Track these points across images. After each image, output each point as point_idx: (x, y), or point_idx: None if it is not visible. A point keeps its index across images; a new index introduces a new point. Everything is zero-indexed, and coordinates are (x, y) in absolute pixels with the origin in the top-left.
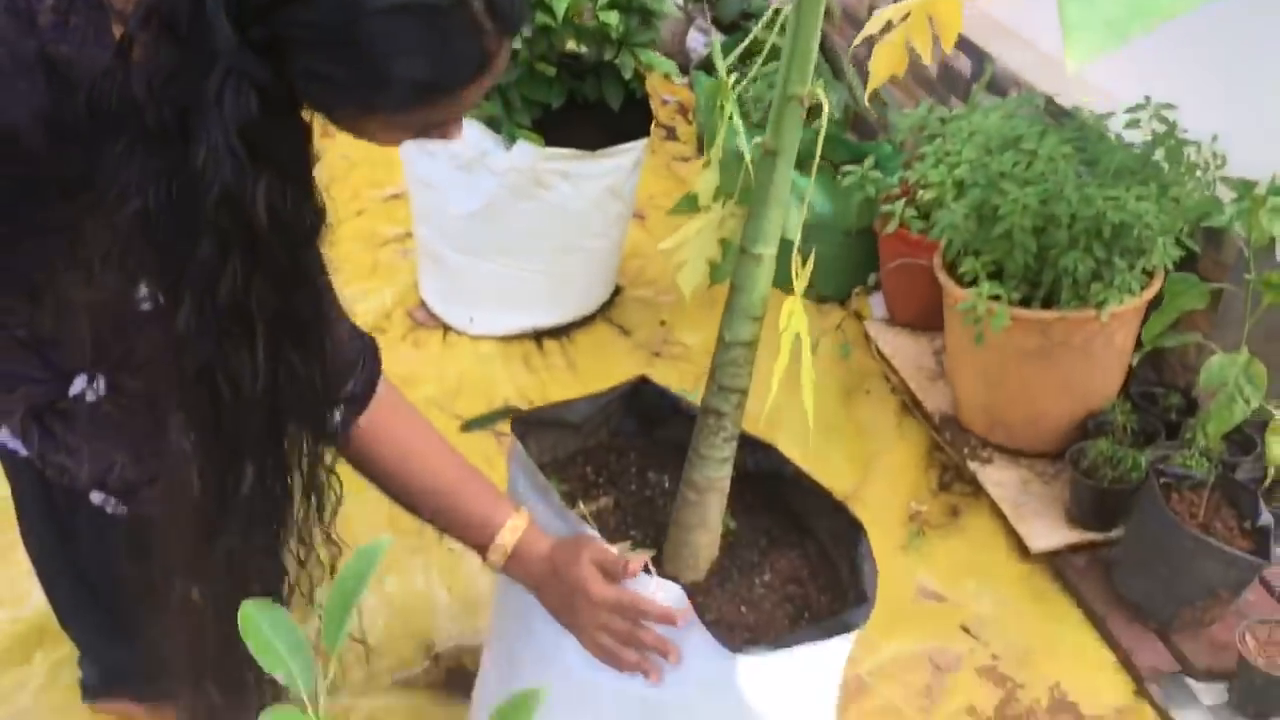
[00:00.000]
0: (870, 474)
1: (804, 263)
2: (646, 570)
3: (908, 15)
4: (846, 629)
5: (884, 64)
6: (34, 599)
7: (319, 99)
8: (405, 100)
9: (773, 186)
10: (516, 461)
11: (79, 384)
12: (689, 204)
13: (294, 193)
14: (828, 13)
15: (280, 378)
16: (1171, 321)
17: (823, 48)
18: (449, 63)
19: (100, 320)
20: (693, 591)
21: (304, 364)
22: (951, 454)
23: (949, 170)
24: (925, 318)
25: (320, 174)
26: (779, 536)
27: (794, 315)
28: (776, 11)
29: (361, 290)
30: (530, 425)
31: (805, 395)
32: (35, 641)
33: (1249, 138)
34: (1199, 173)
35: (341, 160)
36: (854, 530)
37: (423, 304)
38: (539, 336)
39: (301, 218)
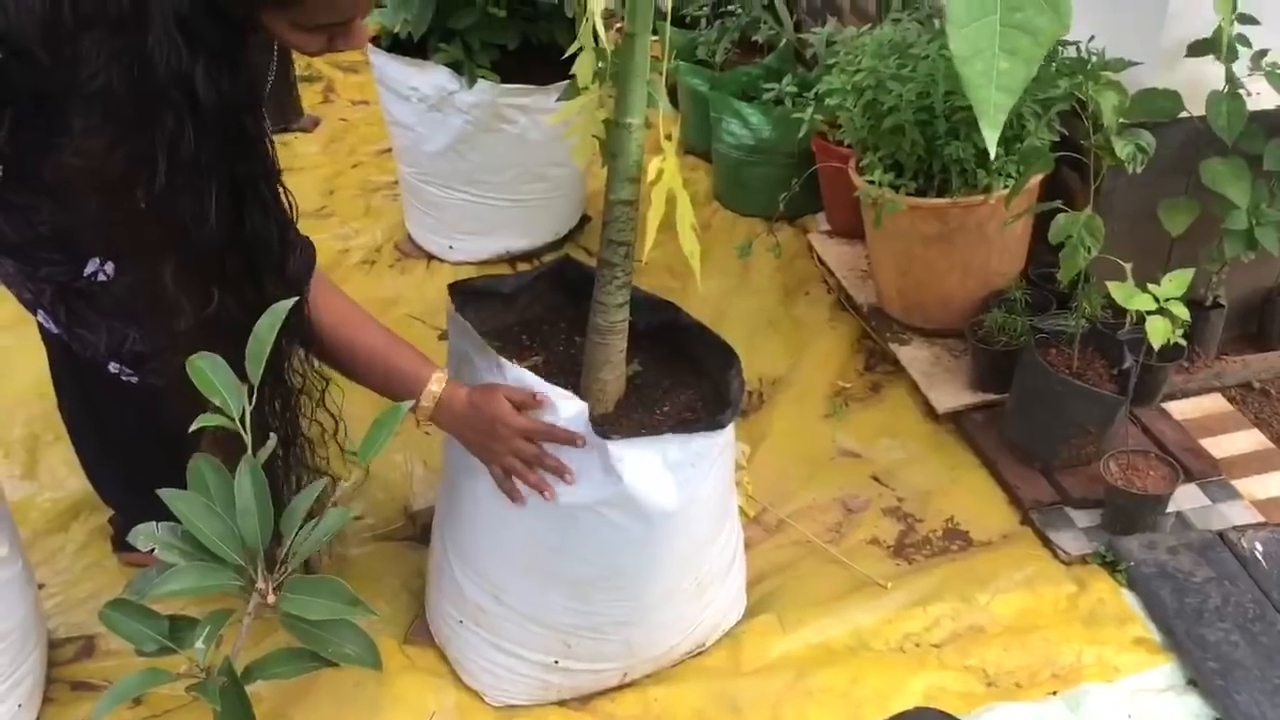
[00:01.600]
0: (802, 360)
1: (676, 122)
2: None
3: None
4: (711, 428)
5: None
6: (70, 484)
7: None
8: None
9: (633, 64)
10: (454, 324)
11: (91, 265)
12: (570, 92)
13: (229, 72)
14: None
15: (246, 226)
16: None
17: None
18: None
19: (101, 211)
20: (597, 416)
21: (262, 216)
22: (876, 339)
23: (849, 78)
24: (859, 227)
25: (324, 131)
26: (679, 379)
27: (665, 172)
28: None
29: (355, 229)
30: (468, 296)
31: (683, 238)
32: (71, 515)
33: (1124, 36)
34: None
35: (340, 123)
36: (730, 358)
37: (408, 237)
38: (512, 260)
39: (237, 92)
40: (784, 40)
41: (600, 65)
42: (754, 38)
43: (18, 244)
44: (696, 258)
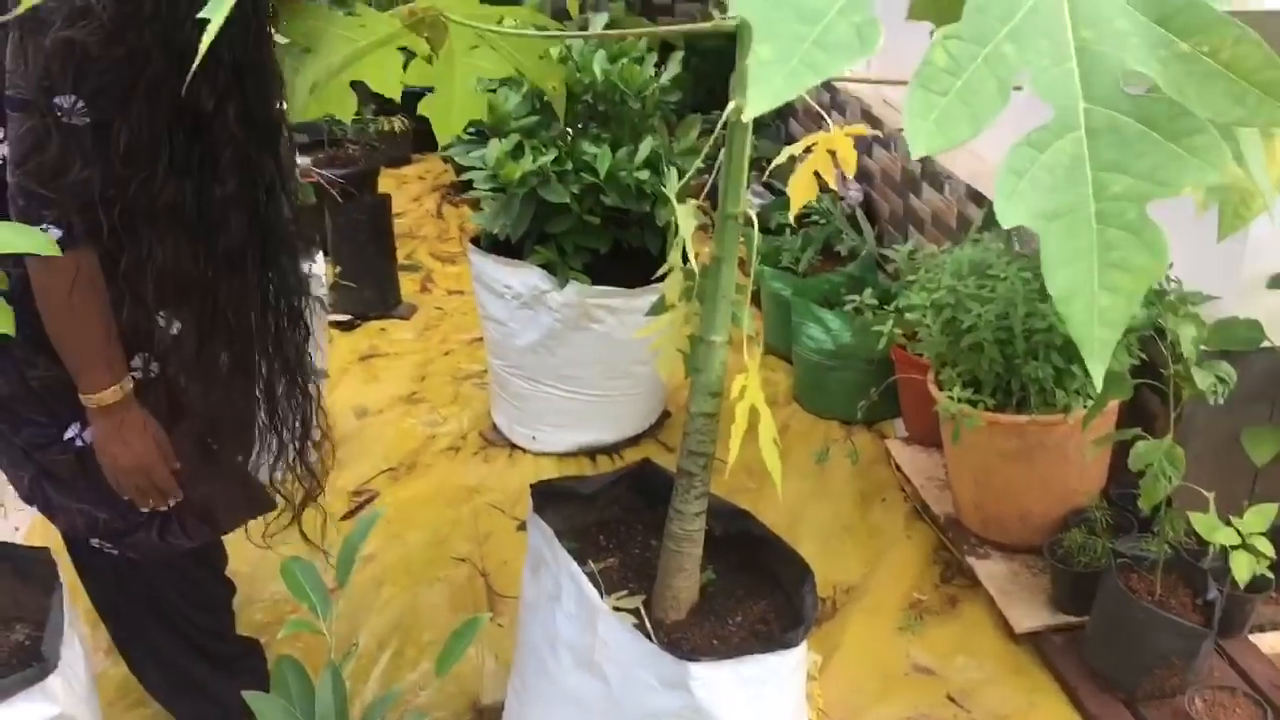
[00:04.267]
0: (878, 569)
1: (757, 336)
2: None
3: (812, 147)
4: (783, 646)
5: (799, 191)
6: None
7: None
8: None
9: (720, 286)
10: (533, 524)
11: (72, 430)
12: (659, 307)
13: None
14: (869, 175)
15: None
16: (1109, 414)
17: (860, 207)
18: None
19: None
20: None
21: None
22: (954, 551)
23: (930, 294)
24: (937, 435)
25: (420, 319)
26: (753, 588)
27: (747, 389)
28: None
29: (443, 415)
30: (548, 496)
31: (765, 452)
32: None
33: (1198, 266)
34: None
35: (436, 311)
36: (804, 572)
37: (494, 426)
38: (593, 453)
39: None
40: (865, 250)
41: (688, 284)
42: (837, 247)
43: (5, 398)
44: (778, 472)
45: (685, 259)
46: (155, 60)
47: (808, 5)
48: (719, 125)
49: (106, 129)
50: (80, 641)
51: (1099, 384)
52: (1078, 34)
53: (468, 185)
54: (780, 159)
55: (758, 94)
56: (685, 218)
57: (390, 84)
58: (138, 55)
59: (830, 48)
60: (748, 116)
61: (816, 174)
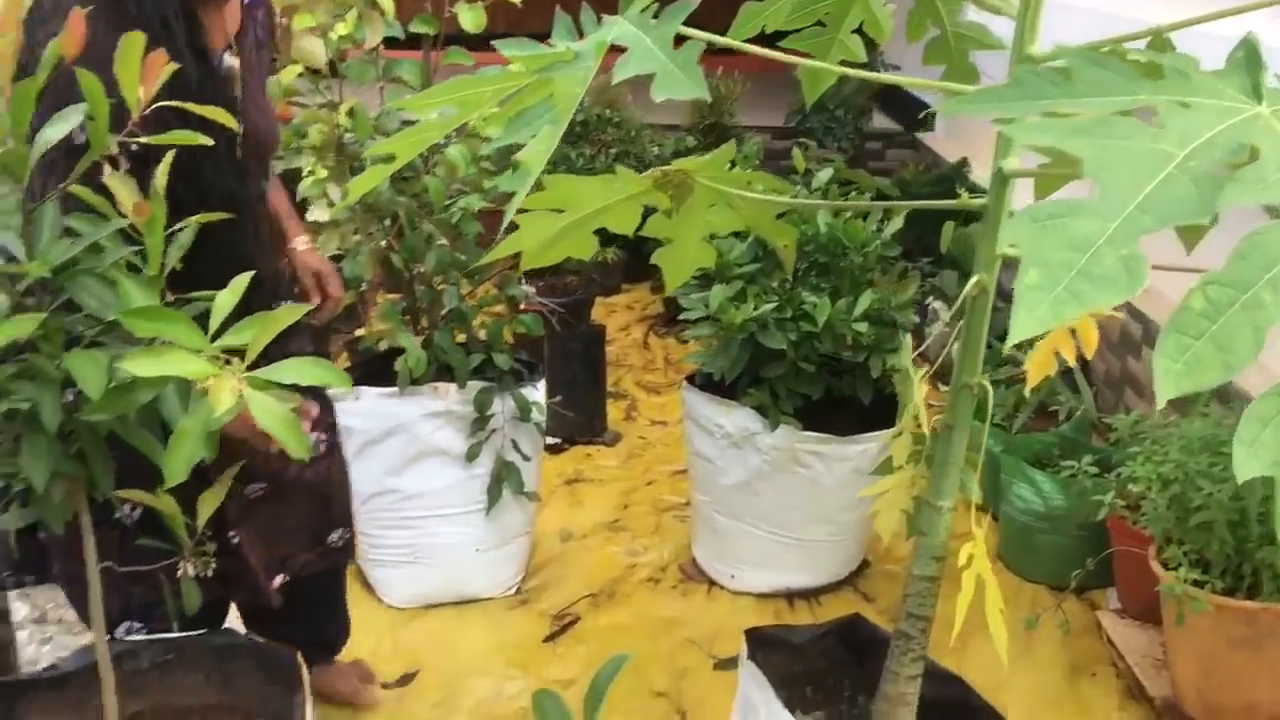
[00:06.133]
0: None
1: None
2: None
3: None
4: None
5: (1037, 368)
6: None
7: None
8: None
9: (951, 453)
10: (745, 669)
11: (123, 510)
12: (886, 468)
13: None
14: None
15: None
16: None
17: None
18: None
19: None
20: None
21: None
22: None
23: (1155, 467)
24: (1155, 611)
25: (624, 447)
26: None
27: (975, 558)
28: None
29: (644, 545)
30: (761, 642)
31: (991, 621)
32: None
33: None
34: None
35: (639, 440)
36: None
37: (693, 560)
38: (791, 596)
39: None
40: (1082, 412)
41: (916, 448)
42: (1052, 407)
43: None
44: (1004, 644)
45: (917, 423)
46: None
47: (1077, 233)
48: (925, 273)
49: None
50: None
51: None
52: None
53: (675, 318)
54: (1016, 337)
55: (1023, 319)
56: (917, 385)
57: (627, 230)
58: None
59: (1096, 280)
60: (1011, 341)
61: (1056, 353)
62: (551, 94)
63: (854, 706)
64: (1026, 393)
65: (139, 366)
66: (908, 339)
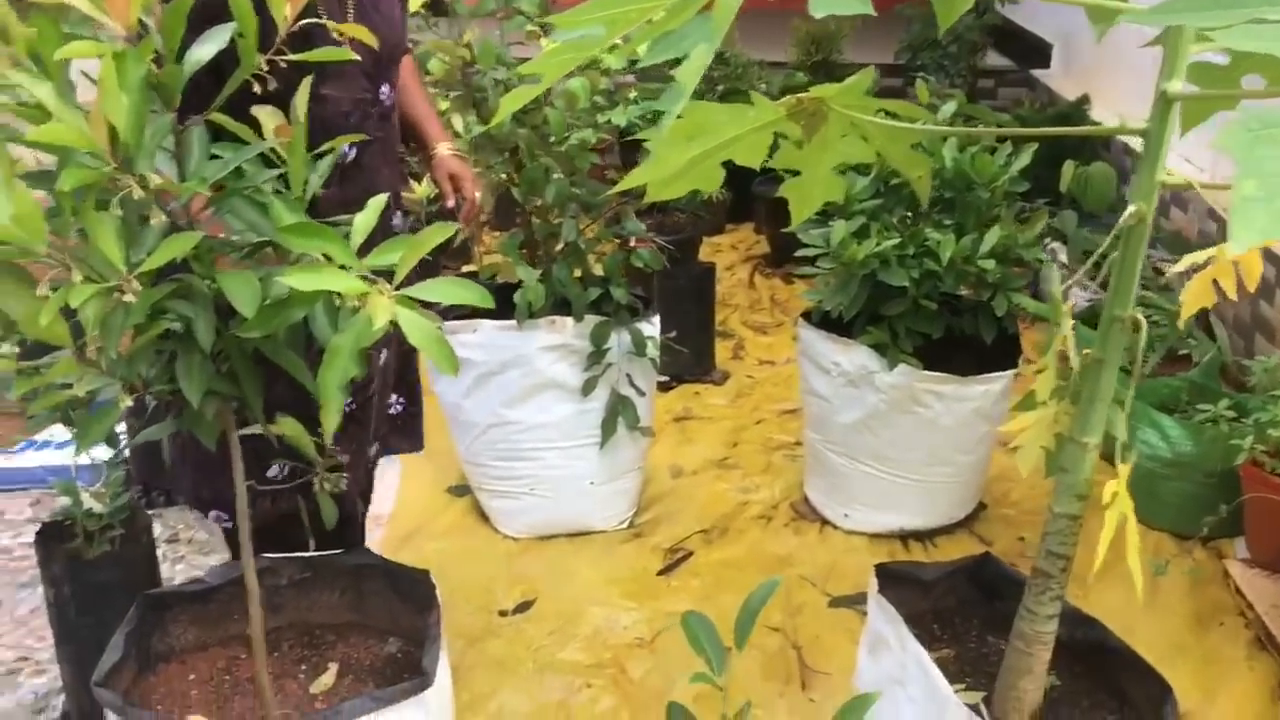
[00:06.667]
0: (1217, 698)
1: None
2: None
3: (1212, 259)
4: None
5: (1193, 299)
6: None
7: None
8: None
9: (1098, 389)
10: (874, 603)
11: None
12: (1029, 403)
13: None
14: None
15: None
16: None
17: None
18: None
19: None
20: None
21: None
22: None
23: None
24: None
25: (731, 386)
26: (1098, 701)
27: (1119, 496)
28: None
29: (755, 484)
30: (890, 577)
31: (1132, 562)
32: None
33: None
34: None
35: (747, 379)
36: (1163, 692)
37: (805, 499)
38: (905, 537)
39: None
40: (1210, 355)
41: (1061, 383)
42: (1181, 350)
43: None
44: (1140, 584)
45: (1065, 359)
46: None
47: None
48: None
49: None
50: (445, 661)
51: None
52: None
53: (782, 257)
54: (1179, 266)
55: (1242, 229)
56: (1067, 315)
57: (755, 162)
58: None
59: None
60: (1233, 252)
61: (1215, 283)
62: (710, 4)
63: (983, 645)
64: (1179, 324)
65: (298, 281)
66: (1054, 267)
